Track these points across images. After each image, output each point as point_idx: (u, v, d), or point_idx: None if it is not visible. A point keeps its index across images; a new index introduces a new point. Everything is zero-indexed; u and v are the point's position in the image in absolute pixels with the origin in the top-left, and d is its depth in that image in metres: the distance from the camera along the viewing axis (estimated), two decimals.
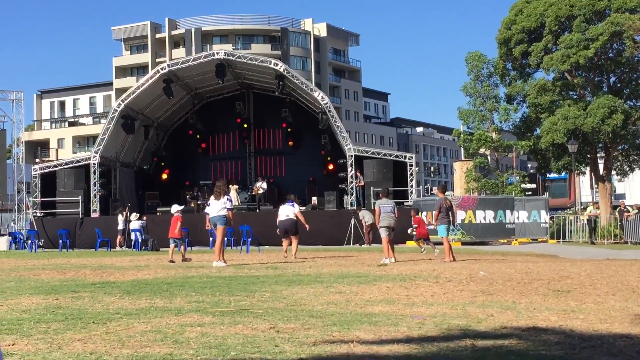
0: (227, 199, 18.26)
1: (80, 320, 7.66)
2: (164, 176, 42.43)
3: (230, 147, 43.67)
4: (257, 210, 37.21)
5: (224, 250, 18.27)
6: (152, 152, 42.38)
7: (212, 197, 18.43)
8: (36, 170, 37.85)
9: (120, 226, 33.92)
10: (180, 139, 43.29)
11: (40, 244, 33.59)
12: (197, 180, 41.16)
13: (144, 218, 33.32)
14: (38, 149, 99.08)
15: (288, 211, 22.21)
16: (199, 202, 38.01)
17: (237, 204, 34.46)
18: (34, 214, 37.22)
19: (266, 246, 30.49)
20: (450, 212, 19.49)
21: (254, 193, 39.03)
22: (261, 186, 38.77)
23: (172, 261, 19.93)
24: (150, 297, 10.02)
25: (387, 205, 19.23)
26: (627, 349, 5.80)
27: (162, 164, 42.72)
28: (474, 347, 5.92)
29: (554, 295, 9.90)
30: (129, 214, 33.91)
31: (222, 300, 9.48)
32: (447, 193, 57.09)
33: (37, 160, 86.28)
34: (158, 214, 36.86)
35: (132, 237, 32.07)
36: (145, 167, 42.53)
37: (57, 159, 73.00)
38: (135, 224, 32.08)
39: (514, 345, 6.00)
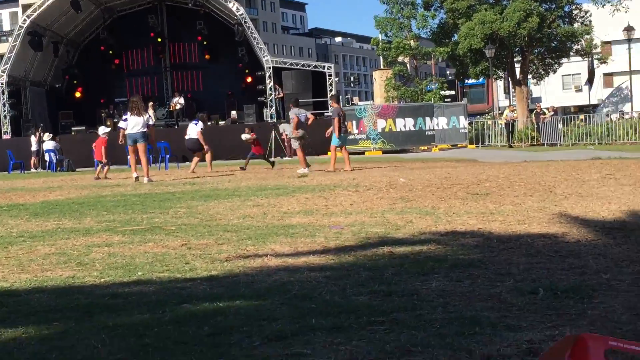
0: (149, 116, 17.85)
1: None
2: (77, 94, 41.02)
3: (144, 63, 42.36)
4: (176, 127, 36.49)
5: (140, 167, 17.82)
6: (64, 69, 40.82)
7: (128, 113, 17.82)
8: None
9: (34, 147, 32.89)
10: (92, 55, 41.71)
11: None
12: (112, 97, 39.95)
13: (57, 139, 32.32)
14: None
15: (192, 131, 21.99)
16: (114, 120, 37.05)
17: (154, 120, 33.72)
18: None
19: (186, 162, 29.99)
20: (343, 122, 19.61)
21: (171, 109, 38.18)
22: (178, 102, 37.95)
23: (98, 178, 19.63)
24: (59, 218, 9.59)
25: (302, 115, 19.10)
26: (545, 249, 5.70)
27: (75, 82, 41.22)
28: (392, 255, 5.74)
29: (472, 199, 9.84)
30: (42, 134, 32.86)
31: (134, 219, 9.12)
32: (367, 102, 57.22)
33: None
34: (73, 133, 35.81)
35: (47, 158, 31.15)
36: (57, 86, 41.00)
37: None
38: (48, 144, 31.11)
39: (432, 251, 5.84)
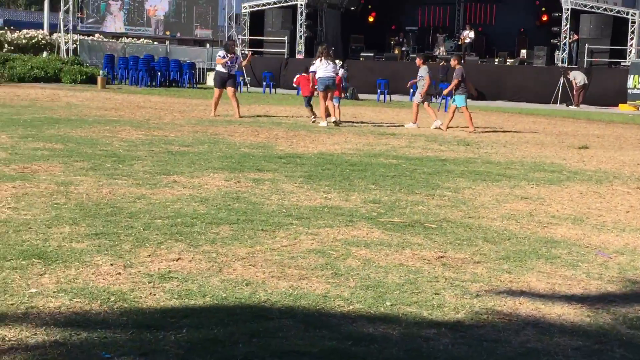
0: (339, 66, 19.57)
1: (250, 224, 7.34)
2: (370, 19, 41.78)
3: None
4: (462, 61, 36.11)
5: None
6: None
7: (318, 59, 18.94)
8: (246, 8, 38.48)
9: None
10: None
11: (246, 81, 34.53)
12: (403, 25, 40.27)
13: (345, 65, 32.91)
14: None
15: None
16: (402, 49, 37.46)
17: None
18: (242, 52, 38.03)
19: None
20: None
21: (460, 42, 37.92)
22: (468, 35, 37.51)
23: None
24: (328, 187, 9.68)
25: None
26: None
27: (369, 6, 41.97)
28: None
29: None
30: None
31: (399, 201, 9.07)
32: None
33: None
34: (361, 59, 36.71)
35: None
36: (352, 9, 41.96)
37: None
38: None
39: None
